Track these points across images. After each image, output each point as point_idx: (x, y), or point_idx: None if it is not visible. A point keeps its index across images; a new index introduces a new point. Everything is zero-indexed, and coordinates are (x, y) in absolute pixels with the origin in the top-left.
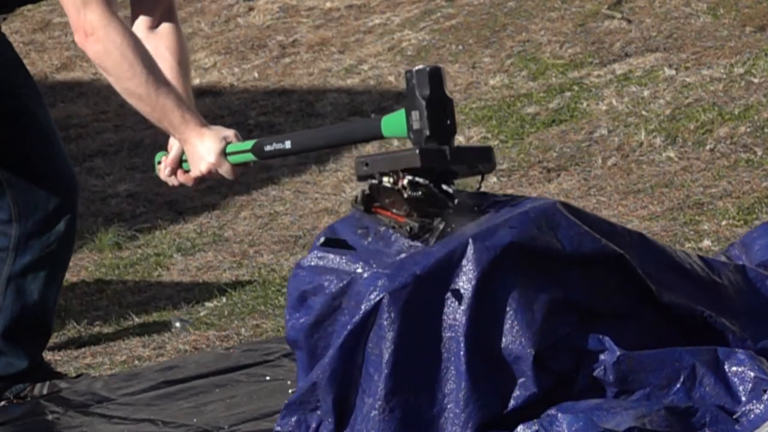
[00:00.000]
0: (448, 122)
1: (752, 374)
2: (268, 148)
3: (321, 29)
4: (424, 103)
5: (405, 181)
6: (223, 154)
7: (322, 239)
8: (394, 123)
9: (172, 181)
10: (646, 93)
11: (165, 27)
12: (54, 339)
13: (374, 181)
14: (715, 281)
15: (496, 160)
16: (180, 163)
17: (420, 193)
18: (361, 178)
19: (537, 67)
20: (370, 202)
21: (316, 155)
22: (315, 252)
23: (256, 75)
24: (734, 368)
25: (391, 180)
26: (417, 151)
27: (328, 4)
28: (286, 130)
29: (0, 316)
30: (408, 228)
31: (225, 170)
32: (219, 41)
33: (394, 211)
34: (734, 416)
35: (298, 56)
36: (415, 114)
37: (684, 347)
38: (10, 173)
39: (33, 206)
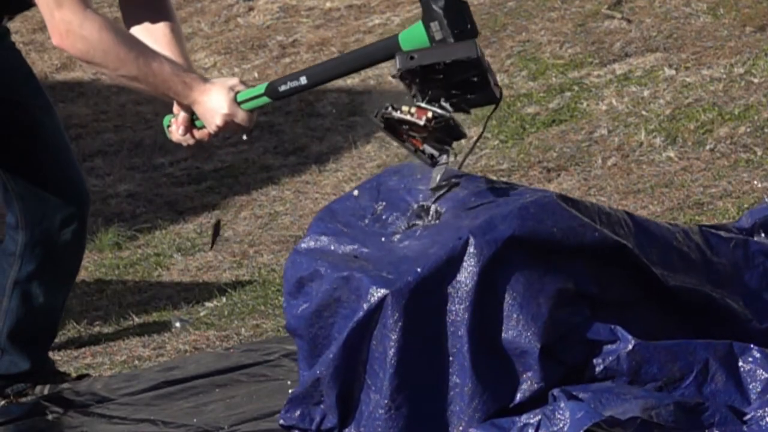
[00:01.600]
0: (469, 26)
1: (765, 375)
2: (283, 88)
3: (321, 29)
4: (441, 12)
5: (429, 114)
6: (235, 102)
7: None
8: (413, 37)
9: (188, 140)
10: (646, 93)
11: None
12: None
13: (393, 113)
14: (712, 261)
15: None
16: (192, 122)
17: (442, 124)
18: (403, 72)
19: (537, 67)
20: (388, 122)
21: (316, 155)
22: (311, 235)
23: (256, 75)
24: (747, 366)
25: (410, 111)
26: (473, 42)
27: (328, 4)
28: (286, 130)
29: (6, 319)
30: (429, 156)
31: (241, 118)
32: (219, 41)
33: (412, 134)
34: (744, 418)
35: (298, 56)
36: (434, 25)
37: (698, 340)
38: (17, 182)
39: (39, 216)
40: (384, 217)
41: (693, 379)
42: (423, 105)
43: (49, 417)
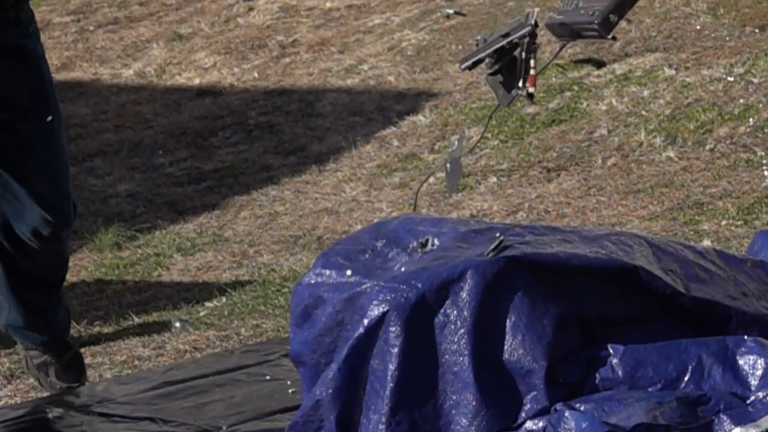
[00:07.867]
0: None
1: (763, 361)
2: None
3: (321, 29)
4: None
5: (531, 90)
6: None
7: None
8: None
9: None
10: (646, 93)
11: None
12: None
13: (528, 56)
14: (735, 277)
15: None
16: None
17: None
18: (608, 23)
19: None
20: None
21: (316, 155)
22: (314, 270)
23: (256, 75)
24: (745, 357)
25: (530, 69)
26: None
27: (328, 4)
28: (286, 130)
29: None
30: (503, 92)
31: None
32: (219, 41)
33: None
34: (747, 401)
35: (298, 56)
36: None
37: (689, 339)
38: (4, 188)
39: (13, 218)
40: (384, 252)
41: (690, 377)
42: (534, 79)
43: (49, 416)
